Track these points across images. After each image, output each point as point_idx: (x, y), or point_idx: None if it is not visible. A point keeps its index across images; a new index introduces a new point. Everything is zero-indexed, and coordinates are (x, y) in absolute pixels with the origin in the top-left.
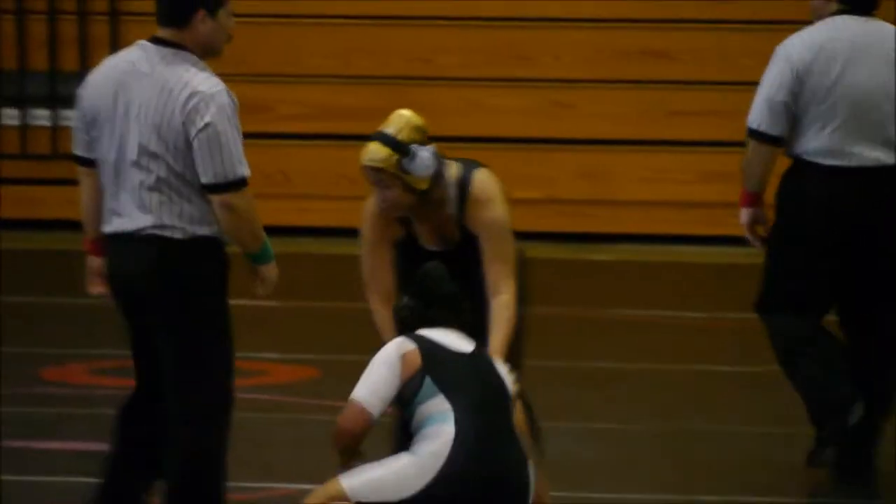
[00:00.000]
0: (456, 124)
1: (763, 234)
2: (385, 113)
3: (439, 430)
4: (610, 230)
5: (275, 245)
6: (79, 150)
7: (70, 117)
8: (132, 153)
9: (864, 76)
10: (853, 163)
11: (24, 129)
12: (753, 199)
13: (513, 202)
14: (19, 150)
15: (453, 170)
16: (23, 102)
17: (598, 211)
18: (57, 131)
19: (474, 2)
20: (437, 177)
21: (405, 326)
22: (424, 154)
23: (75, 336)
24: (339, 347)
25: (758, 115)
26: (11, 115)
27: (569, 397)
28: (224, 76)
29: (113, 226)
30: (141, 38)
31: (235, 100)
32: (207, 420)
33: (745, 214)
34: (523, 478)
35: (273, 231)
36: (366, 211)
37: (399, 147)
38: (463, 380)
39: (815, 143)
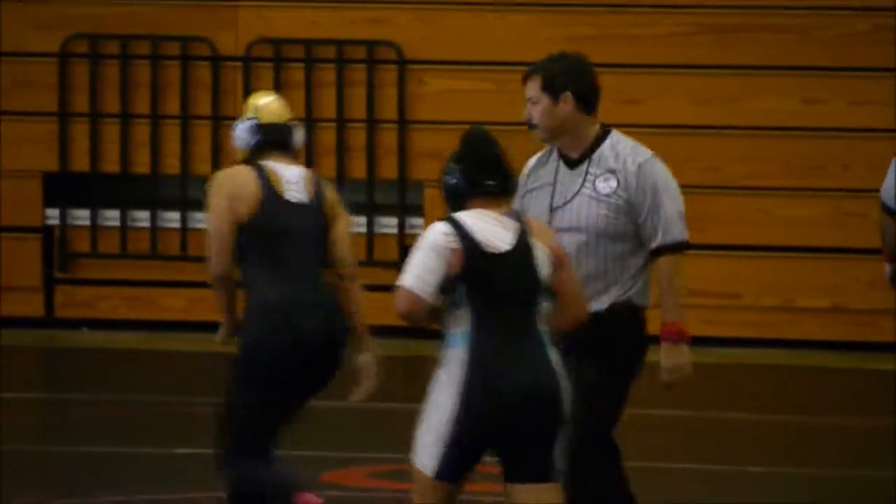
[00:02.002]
0: (745, 233)
1: None
2: None
3: (453, 355)
4: None
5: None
6: None
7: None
8: None
9: None
10: None
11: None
12: (894, 256)
13: (800, 311)
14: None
15: None
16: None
17: (886, 321)
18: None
19: (764, 111)
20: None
21: (451, 195)
22: (238, 125)
23: (355, 440)
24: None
25: (887, 192)
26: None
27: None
28: None
29: None
30: None
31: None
32: None
33: (888, 269)
34: (551, 389)
35: None
36: None
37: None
38: (493, 291)
39: None
